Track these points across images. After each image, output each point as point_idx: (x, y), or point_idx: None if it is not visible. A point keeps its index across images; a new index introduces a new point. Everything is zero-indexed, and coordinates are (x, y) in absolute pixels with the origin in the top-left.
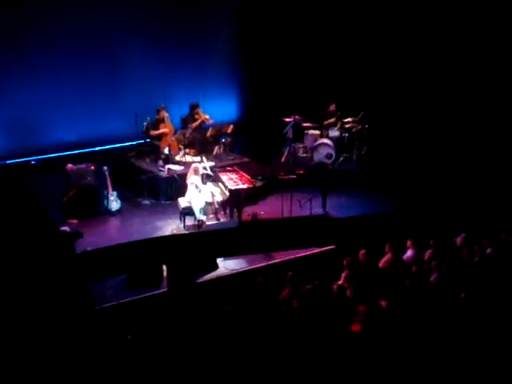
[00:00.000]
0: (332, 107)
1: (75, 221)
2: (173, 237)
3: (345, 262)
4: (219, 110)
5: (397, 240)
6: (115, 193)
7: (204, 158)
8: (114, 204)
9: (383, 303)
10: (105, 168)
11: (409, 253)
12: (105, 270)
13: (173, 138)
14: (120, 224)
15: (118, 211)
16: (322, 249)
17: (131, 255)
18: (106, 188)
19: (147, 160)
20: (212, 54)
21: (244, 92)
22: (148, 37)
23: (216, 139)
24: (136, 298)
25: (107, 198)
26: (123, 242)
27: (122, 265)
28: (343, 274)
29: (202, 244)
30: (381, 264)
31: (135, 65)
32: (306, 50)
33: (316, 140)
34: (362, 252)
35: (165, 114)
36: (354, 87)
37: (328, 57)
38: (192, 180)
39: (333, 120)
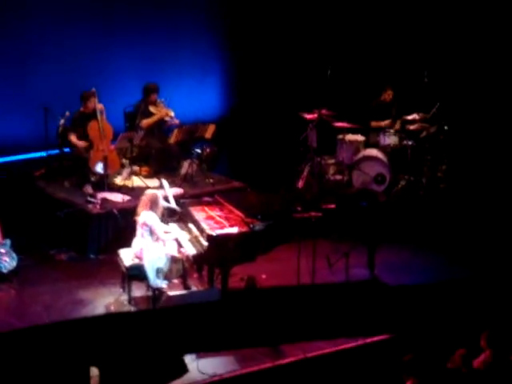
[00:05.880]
0: (387, 95)
1: None
2: (109, 318)
3: (406, 361)
4: (191, 100)
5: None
6: (8, 241)
7: (165, 182)
8: (6, 261)
9: None
10: None
11: None
12: None
13: (111, 147)
14: (15, 295)
15: (13, 273)
16: (368, 340)
17: (34, 351)
18: None
19: (66, 184)
20: (179, 10)
21: (232, 71)
22: None
23: (185, 149)
24: None
25: None
26: (19, 328)
27: (16, 370)
28: None
29: (161, 330)
30: (476, 363)
31: (46, 27)
32: None
33: (358, 151)
34: (461, 352)
35: (97, 106)
36: (421, 61)
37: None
38: (145, 219)
39: (387, 121)
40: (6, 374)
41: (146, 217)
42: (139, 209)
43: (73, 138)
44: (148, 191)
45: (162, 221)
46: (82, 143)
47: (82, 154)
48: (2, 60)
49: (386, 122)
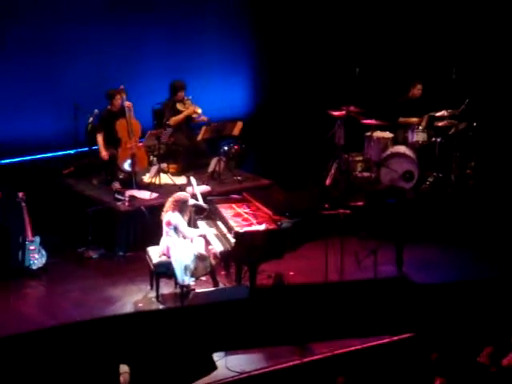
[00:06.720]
0: (416, 90)
1: None
2: (138, 316)
3: (433, 360)
4: (218, 97)
5: None
6: (38, 239)
7: (193, 179)
8: (36, 258)
9: None
10: (20, 195)
11: None
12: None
13: (139, 144)
14: (45, 292)
15: (42, 270)
16: (395, 338)
17: (63, 348)
18: (22, 230)
19: (94, 181)
20: (207, 6)
21: (259, 68)
22: None
23: (213, 147)
24: None
25: (23, 247)
26: (49, 326)
27: (46, 367)
28: None
29: (189, 328)
30: (506, 361)
31: (76, 25)
32: None
33: (386, 148)
34: (489, 350)
35: (125, 103)
36: (449, 58)
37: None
38: (172, 218)
39: (416, 119)
40: (36, 371)
41: (170, 216)
42: (166, 208)
43: (99, 139)
44: (179, 193)
45: (190, 221)
46: (104, 153)
47: (110, 151)
48: (32, 58)
49: (415, 119)
